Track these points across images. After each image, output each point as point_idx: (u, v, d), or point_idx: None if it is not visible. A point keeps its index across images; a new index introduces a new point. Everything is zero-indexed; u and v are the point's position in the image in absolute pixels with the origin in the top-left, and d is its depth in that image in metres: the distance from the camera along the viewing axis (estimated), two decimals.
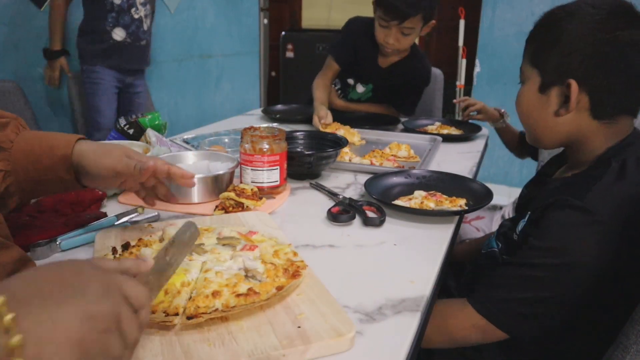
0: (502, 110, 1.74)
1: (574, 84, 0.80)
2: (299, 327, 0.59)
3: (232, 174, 1.10)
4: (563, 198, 0.75)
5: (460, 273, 1.14)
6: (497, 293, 0.79)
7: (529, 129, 0.94)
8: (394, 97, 2.08)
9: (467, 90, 3.38)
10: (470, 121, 1.86)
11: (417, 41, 1.99)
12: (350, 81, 2.06)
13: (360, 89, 2.06)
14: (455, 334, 0.82)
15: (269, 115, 1.99)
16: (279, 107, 2.17)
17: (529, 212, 0.85)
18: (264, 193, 1.08)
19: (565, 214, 0.74)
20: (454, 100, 1.91)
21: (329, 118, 1.70)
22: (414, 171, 1.20)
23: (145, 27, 2.50)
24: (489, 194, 1.06)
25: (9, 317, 0.33)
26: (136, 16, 2.43)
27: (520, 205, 1.03)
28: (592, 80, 0.79)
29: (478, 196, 1.07)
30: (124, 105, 2.58)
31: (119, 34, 2.39)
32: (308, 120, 1.88)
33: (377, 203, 1.03)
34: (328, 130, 1.63)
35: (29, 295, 0.37)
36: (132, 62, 2.52)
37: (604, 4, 0.80)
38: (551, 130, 0.88)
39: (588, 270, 0.72)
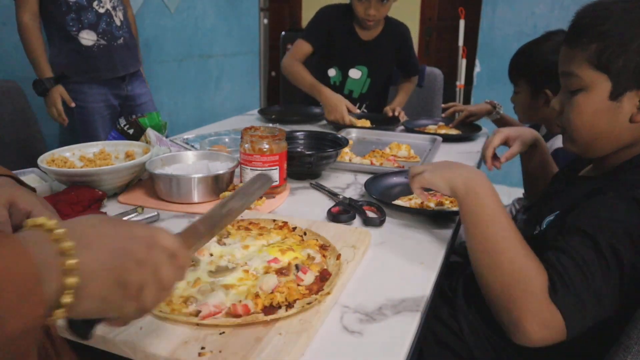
0: (495, 103, 1.79)
1: None
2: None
3: (232, 173, 1.10)
4: (609, 188, 0.72)
5: (456, 273, 1.14)
6: (574, 287, 0.67)
7: (586, 140, 0.81)
8: (388, 76, 2.13)
9: (467, 90, 3.38)
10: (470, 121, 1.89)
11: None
12: (332, 72, 2.04)
13: (355, 74, 2.04)
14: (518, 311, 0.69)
15: (265, 115, 2.00)
16: (276, 107, 2.17)
17: (558, 211, 0.81)
18: (264, 192, 1.07)
19: (612, 198, 0.71)
20: (443, 105, 1.96)
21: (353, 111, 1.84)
22: None
23: (118, 21, 2.02)
24: None
25: (61, 230, 0.39)
26: (101, 10, 1.94)
27: (545, 197, 0.94)
28: None
29: None
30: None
31: (87, 38, 1.93)
32: (304, 121, 1.90)
33: (377, 203, 1.03)
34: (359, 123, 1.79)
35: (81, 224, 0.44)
36: (116, 68, 2.04)
37: None
38: (617, 138, 0.79)
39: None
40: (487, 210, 0.77)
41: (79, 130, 2.04)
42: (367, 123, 1.84)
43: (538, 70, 1.36)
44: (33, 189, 0.74)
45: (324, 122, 1.90)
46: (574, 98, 0.79)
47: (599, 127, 0.78)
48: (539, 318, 0.67)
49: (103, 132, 2.03)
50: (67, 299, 0.38)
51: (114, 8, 2.00)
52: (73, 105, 1.99)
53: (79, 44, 1.93)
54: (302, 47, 1.98)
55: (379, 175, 1.18)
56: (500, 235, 0.74)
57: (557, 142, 1.32)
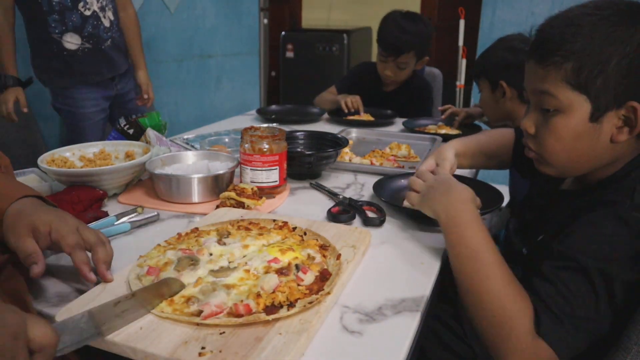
0: None
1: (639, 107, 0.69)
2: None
3: (232, 173, 1.10)
4: (595, 206, 0.71)
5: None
6: (561, 319, 0.67)
7: (565, 163, 0.78)
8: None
9: (467, 90, 3.38)
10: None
11: None
12: None
13: None
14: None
15: (263, 115, 2.00)
16: (274, 107, 2.18)
17: (545, 233, 0.80)
18: (264, 192, 1.08)
19: (598, 218, 0.70)
20: (440, 108, 1.99)
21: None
22: None
23: (107, 22, 1.90)
24: (499, 196, 1.04)
25: None
26: (87, 12, 1.82)
27: (532, 210, 0.93)
28: None
29: (486, 198, 1.06)
30: (117, 117, 1.98)
31: (71, 41, 1.82)
32: (303, 121, 1.92)
33: (377, 203, 1.02)
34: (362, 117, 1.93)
35: None
36: (102, 71, 1.95)
37: (613, 4, 0.69)
38: (597, 158, 0.75)
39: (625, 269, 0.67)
40: (468, 244, 0.76)
41: (66, 135, 1.97)
42: (370, 117, 1.96)
43: (493, 66, 1.52)
44: (54, 205, 0.76)
45: (324, 122, 1.95)
46: (550, 121, 0.75)
47: (580, 150, 0.75)
48: (526, 356, 0.67)
49: (92, 139, 1.98)
50: None
51: (102, 8, 1.89)
52: (25, 110, 1.85)
53: (62, 47, 1.81)
54: (332, 90, 2.25)
55: (388, 177, 1.16)
56: (482, 273, 0.72)
57: None
